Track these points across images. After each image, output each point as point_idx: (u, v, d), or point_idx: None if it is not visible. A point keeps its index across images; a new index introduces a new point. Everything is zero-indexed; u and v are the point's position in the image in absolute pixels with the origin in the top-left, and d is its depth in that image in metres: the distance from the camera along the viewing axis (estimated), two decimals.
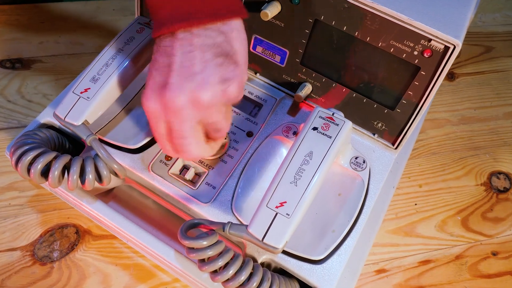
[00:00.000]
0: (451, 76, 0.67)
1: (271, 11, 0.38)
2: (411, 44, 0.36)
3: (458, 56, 0.69)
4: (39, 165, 0.37)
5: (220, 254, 0.34)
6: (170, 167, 0.41)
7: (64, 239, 0.48)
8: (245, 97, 0.44)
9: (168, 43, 0.32)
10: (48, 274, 0.46)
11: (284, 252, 0.38)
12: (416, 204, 0.55)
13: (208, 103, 0.32)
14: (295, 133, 0.43)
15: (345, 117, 0.38)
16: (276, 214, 0.33)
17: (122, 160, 0.41)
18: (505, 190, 0.57)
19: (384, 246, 0.51)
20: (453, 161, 0.58)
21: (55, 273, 0.46)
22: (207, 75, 0.32)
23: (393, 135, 0.42)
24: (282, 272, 0.39)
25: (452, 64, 0.68)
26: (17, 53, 0.60)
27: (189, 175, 0.41)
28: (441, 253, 0.52)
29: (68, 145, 0.44)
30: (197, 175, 0.41)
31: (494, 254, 0.52)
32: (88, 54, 0.61)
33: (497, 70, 0.68)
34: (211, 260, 0.34)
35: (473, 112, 0.63)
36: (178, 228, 0.37)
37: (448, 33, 0.34)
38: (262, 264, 0.39)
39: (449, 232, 0.53)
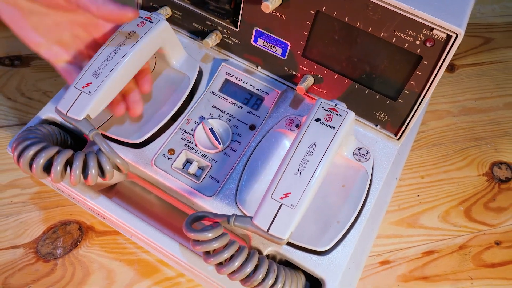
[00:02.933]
0: (451, 68, 0.67)
1: (272, 3, 0.38)
2: (413, 34, 0.36)
3: (457, 48, 0.69)
4: (41, 160, 0.36)
5: (226, 246, 0.34)
6: (173, 161, 0.41)
7: (67, 235, 0.48)
8: (247, 90, 0.44)
9: None
10: (52, 271, 0.46)
11: (289, 244, 0.38)
12: (418, 196, 0.55)
13: None
14: (297, 126, 0.43)
15: (348, 108, 0.38)
16: (281, 205, 0.34)
17: (125, 155, 0.41)
18: (507, 180, 0.57)
19: (388, 238, 0.52)
20: (454, 152, 0.59)
21: (59, 270, 0.46)
22: None
23: (396, 126, 0.42)
24: (288, 264, 0.39)
25: (452, 56, 0.68)
26: (16, 50, 0.60)
27: (192, 169, 0.41)
28: (444, 243, 0.52)
29: (70, 140, 0.44)
30: (201, 168, 0.41)
31: (498, 243, 0.53)
32: None
33: (497, 61, 0.68)
34: (216, 252, 0.34)
35: (473, 103, 0.63)
36: (182, 223, 0.38)
37: (450, 22, 0.34)
38: (267, 256, 0.39)
39: (452, 222, 0.53)
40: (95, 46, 0.42)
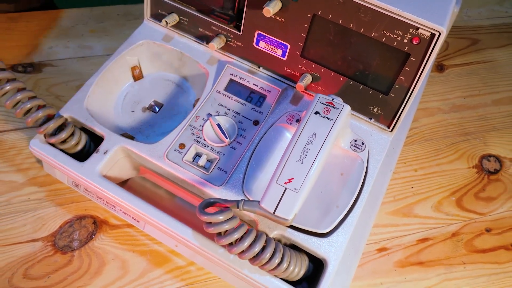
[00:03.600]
0: (440, 68, 0.72)
1: (273, 8, 0.43)
2: (401, 33, 0.40)
3: (446, 49, 0.74)
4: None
5: (236, 228, 0.38)
6: (184, 155, 0.45)
7: (82, 229, 0.52)
8: (250, 89, 0.49)
9: None
10: (69, 262, 0.50)
11: (293, 227, 0.42)
12: (412, 187, 0.59)
13: None
14: (297, 121, 0.47)
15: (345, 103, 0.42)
16: (285, 189, 0.38)
17: (139, 150, 0.45)
18: (496, 171, 0.62)
19: (385, 227, 0.56)
20: (445, 146, 0.63)
21: (76, 261, 0.50)
22: None
23: (388, 119, 0.46)
24: (292, 248, 0.43)
25: (441, 57, 0.73)
26: (28, 58, 0.64)
27: (202, 161, 0.45)
28: (438, 231, 0.56)
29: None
30: (209, 161, 0.45)
31: (488, 230, 0.57)
32: (96, 57, 0.66)
33: (484, 61, 0.73)
34: (227, 233, 0.38)
35: (463, 100, 0.68)
36: (191, 216, 0.42)
37: (433, 22, 0.38)
38: (273, 239, 0.43)
39: (444, 211, 0.57)
40: None
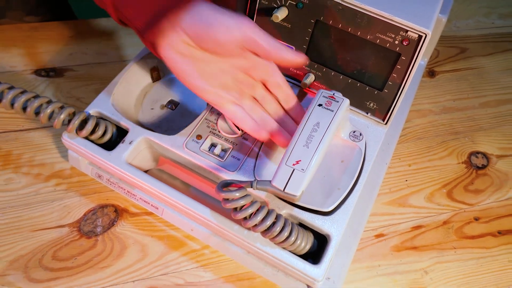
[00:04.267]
0: (432, 74, 0.79)
1: (281, 15, 0.50)
2: (393, 36, 0.47)
3: (437, 56, 0.82)
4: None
5: (250, 204, 0.45)
6: (201, 145, 0.51)
7: (105, 216, 0.58)
8: None
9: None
10: (94, 245, 0.55)
11: (300, 207, 0.49)
12: (406, 180, 0.66)
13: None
14: None
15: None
16: (293, 170, 0.44)
17: (161, 140, 0.52)
18: (483, 166, 0.68)
19: (381, 215, 0.62)
20: (437, 144, 0.70)
21: (99, 244, 0.56)
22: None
23: (383, 113, 0.53)
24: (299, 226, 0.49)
25: (433, 63, 0.81)
26: (50, 63, 0.71)
27: (217, 150, 0.51)
28: (430, 219, 0.62)
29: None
30: (223, 150, 0.52)
31: (476, 219, 0.63)
32: (112, 62, 0.73)
33: (472, 68, 0.81)
34: (243, 209, 0.45)
35: (452, 103, 0.75)
36: (205, 203, 0.48)
37: (420, 25, 0.46)
38: None
39: (436, 202, 0.64)
40: (252, 85, 0.50)
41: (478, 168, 0.68)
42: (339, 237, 0.48)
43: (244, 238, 0.47)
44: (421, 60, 0.72)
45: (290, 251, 0.47)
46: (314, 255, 0.49)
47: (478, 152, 0.70)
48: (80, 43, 0.75)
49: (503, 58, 0.83)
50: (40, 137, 0.63)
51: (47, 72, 0.70)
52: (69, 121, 0.51)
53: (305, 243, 0.47)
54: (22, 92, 0.48)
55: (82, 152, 0.52)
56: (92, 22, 0.78)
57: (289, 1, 0.50)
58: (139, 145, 0.52)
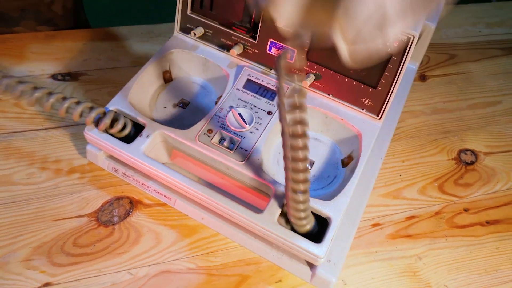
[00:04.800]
0: (423, 78, 0.86)
1: None
2: None
3: (427, 62, 0.89)
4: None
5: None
6: (212, 138, 0.57)
7: (121, 207, 0.63)
8: (264, 86, 0.62)
9: None
10: (111, 233, 0.61)
11: None
12: (400, 175, 0.72)
13: None
14: None
15: (340, 97, 0.56)
16: None
17: (176, 134, 0.58)
18: (472, 162, 0.75)
19: (377, 207, 0.68)
20: (428, 142, 0.76)
21: (116, 232, 0.61)
22: None
23: (377, 108, 0.59)
24: None
25: (424, 68, 0.88)
26: (66, 68, 0.77)
27: (226, 143, 0.57)
28: (423, 210, 0.68)
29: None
30: (232, 143, 0.58)
31: (466, 210, 0.69)
32: (124, 68, 0.79)
33: (460, 72, 0.88)
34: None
35: (442, 105, 0.82)
36: None
37: (409, 28, 0.52)
38: None
39: (428, 195, 0.70)
40: None
41: (467, 164, 0.74)
42: (338, 219, 0.53)
43: (253, 220, 0.53)
44: (413, 65, 0.79)
45: (294, 229, 0.53)
46: (315, 238, 0.55)
47: (467, 150, 0.76)
48: (93, 50, 0.81)
49: (490, 64, 0.90)
50: (58, 136, 0.69)
51: (63, 76, 0.76)
52: (100, 119, 0.57)
53: (307, 221, 0.52)
54: (64, 98, 0.55)
55: (103, 145, 0.58)
56: (103, 31, 0.85)
57: None
58: (155, 138, 0.58)
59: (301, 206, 0.48)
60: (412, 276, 0.62)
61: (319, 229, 0.55)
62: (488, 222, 0.68)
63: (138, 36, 0.85)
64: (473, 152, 0.76)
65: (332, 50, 0.58)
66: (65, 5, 0.89)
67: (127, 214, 0.63)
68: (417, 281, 0.61)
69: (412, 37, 0.53)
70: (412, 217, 0.67)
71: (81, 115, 0.56)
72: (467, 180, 0.72)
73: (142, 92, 0.63)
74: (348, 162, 0.60)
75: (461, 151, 0.76)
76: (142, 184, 0.62)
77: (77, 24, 0.93)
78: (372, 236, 0.65)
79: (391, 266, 0.62)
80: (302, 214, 0.50)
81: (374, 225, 0.66)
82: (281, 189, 0.54)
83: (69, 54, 0.80)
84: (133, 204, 0.64)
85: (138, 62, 0.80)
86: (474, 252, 0.65)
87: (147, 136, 0.58)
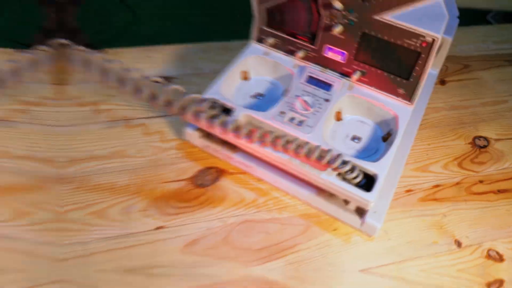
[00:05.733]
0: (443, 82, 1.04)
1: (338, 30, 0.76)
2: (415, 40, 0.72)
3: (446, 70, 1.07)
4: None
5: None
6: (284, 117, 0.76)
7: (211, 175, 0.81)
8: (322, 81, 0.80)
9: None
10: (205, 193, 0.79)
11: (355, 156, 0.72)
12: (427, 154, 0.89)
13: None
14: None
15: (381, 88, 0.74)
16: None
17: (257, 115, 0.76)
18: (485, 146, 0.92)
19: (409, 177, 0.85)
20: (448, 130, 0.94)
21: (209, 192, 0.79)
22: None
23: (409, 96, 0.77)
24: None
25: (443, 75, 1.06)
26: (163, 74, 0.97)
27: (296, 121, 0.75)
28: (447, 181, 0.85)
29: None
30: (300, 122, 0.76)
31: (481, 181, 0.86)
32: (205, 73, 0.99)
33: (473, 79, 1.06)
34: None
35: (459, 103, 1.00)
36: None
37: (433, 31, 0.70)
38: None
39: (450, 170, 0.87)
40: None
41: (481, 147, 0.91)
42: (383, 176, 0.71)
43: (319, 175, 0.71)
44: (434, 71, 0.97)
45: (349, 182, 0.70)
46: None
47: (480, 136, 0.93)
48: (181, 61, 1.02)
49: (498, 72, 1.08)
50: (158, 122, 0.88)
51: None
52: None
53: (357, 173, 0.69)
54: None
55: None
56: (189, 46, 1.05)
57: (344, 20, 0.76)
58: (242, 119, 0.77)
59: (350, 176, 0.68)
60: (440, 229, 0.78)
61: (368, 186, 0.72)
62: (499, 191, 0.85)
63: (215, 50, 1.05)
64: (485, 138, 0.93)
65: (375, 51, 0.77)
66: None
67: (216, 179, 0.81)
68: (443, 233, 0.78)
69: (436, 39, 0.71)
70: (438, 185, 0.84)
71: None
72: (481, 159, 0.89)
73: (228, 87, 0.82)
74: (387, 137, 0.78)
75: (475, 137, 0.93)
76: (228, 156, 0.80)
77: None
78: (406, 199, 0.82)
79: (423, 221, 0.79)
80: (351, 176, 0.68)
81: (408, 191, 0.83)
82: None
83: (165, 65, 1.00)
84: (220, 172, 0.82)
85: (217, 71, 1.00)
86: (489, 213, 0.81)
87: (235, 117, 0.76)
